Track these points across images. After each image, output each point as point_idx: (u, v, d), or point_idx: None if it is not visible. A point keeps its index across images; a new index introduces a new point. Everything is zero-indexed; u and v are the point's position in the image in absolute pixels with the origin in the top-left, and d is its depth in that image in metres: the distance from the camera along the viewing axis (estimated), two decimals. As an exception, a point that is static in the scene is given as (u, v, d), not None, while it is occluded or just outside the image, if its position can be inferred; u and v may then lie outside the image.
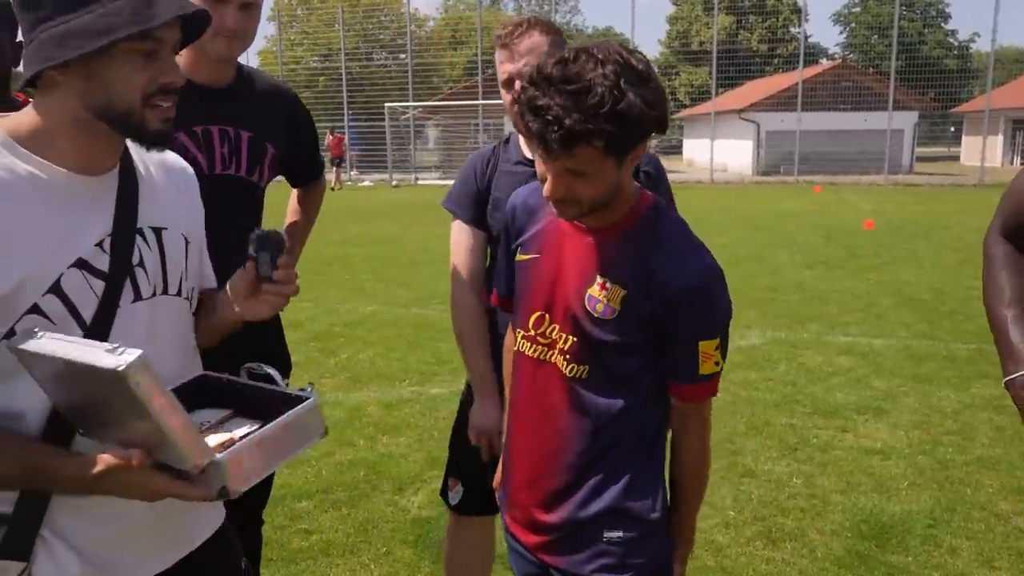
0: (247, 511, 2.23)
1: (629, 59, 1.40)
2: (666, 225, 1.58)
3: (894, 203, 18.15)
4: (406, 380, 5.38)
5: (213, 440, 1.23)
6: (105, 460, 1.14)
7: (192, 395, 1.33)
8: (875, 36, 42.64)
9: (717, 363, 1.56)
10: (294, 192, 2.66)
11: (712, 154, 27.59)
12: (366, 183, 27.18)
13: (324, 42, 33.52)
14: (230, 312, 1.43)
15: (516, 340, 1.71)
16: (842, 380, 5.41)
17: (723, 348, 1.57)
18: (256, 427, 1.26)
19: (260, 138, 2.20)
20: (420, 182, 27.50)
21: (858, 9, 48.18)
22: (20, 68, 1.98)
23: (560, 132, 1.35)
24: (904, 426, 4.58)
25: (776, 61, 37.57)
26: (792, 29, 41.46)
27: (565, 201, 1.49)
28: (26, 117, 1.23)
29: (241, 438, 1.22)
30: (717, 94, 29.38)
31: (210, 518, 1.49)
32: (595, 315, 1.55)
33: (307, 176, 2.60)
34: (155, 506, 1.26)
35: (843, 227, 13.50)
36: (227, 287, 1.44)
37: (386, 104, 28.03)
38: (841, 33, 50.60)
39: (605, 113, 1.34)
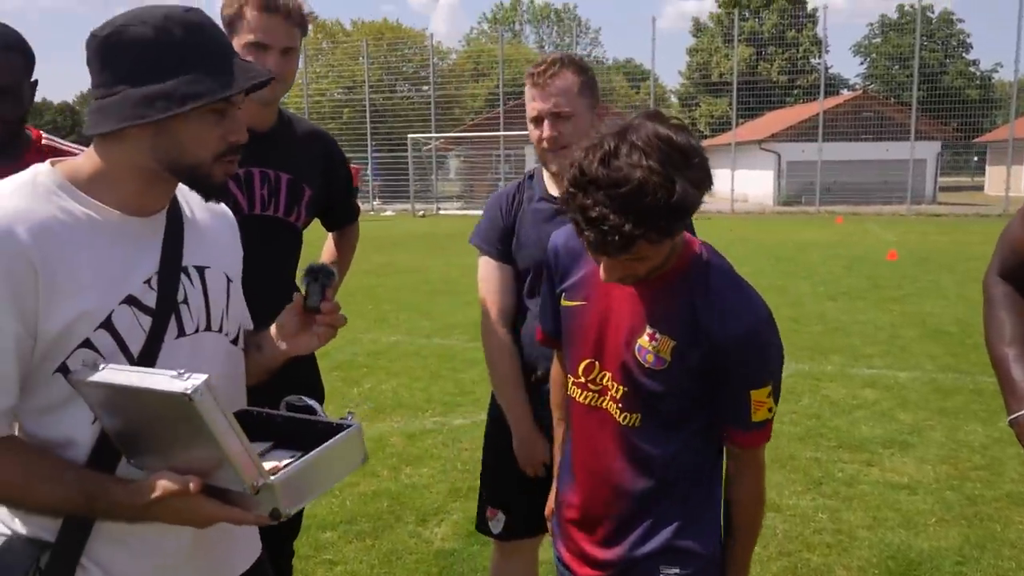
0: (278, 542, 2.26)
1: (670, 138, 1.37)
2: (714, 273, 1.57)
3: (917, 233, 18.02)
4: (429, 410, 5.41)
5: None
6: (162, 486, 1.18)
7: None
8: (896, 66, 42.66)
9: (770, 409, 1.56)
10: (330, 236, 2.72)
11: (732, 184, 27.57)
12: (388, 213, 27.42)
13: (348, 74, 34.04)
14: (276, 351, 1.47)
15: (568, 386, 1.73)
16: (867, 413, 5.36)
17: (775, 393, 1.57)
18: (297, 456, 1.30)
19: (298, 180, 2.28)
20: (442, 212, 27.71)
21: (878, 40, 48.28)
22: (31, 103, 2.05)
23: (620, 241, 1.34)
24: (931, 460, 4.53)
25: (796, 92, 37.67)
26: (812, 60, 41.54)
27: (623, 279, 1.52)
28: (86, 162, 1.29)
29: (285, 466, 1.26)
30: (737, 124, 29.43)
31: (247, 549, 1.52)
32: (645, 366, 1.55)
33: (342, 219, 2.66)
34: (193, 538, 1.30)
35: (866, 257, 13.43)
36: (274, 326, 1.49)
37: (409, 135, 28.36)
38: (861, 64, 50.73)
39: (660, 211, 1.33)
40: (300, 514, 2.53)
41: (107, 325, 1.23)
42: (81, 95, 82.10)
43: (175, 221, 1.37)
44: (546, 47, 58.63)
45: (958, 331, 7.75)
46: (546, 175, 2.29)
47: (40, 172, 1.27)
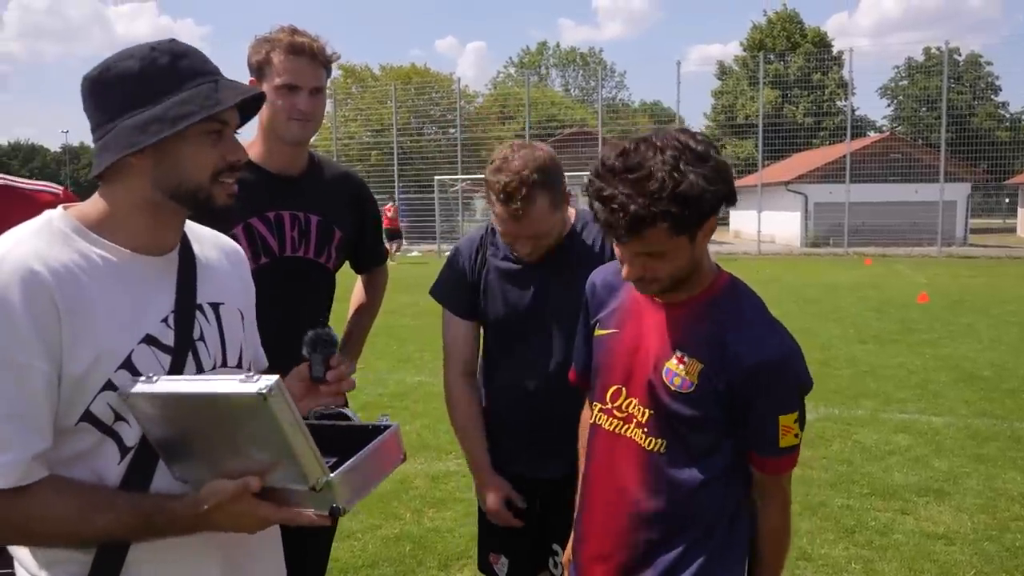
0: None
1: (687, 141, 1.46)
2: (743, 301, 1.62)
3: (949, 276, 17.76)
4: (452, 452, 5.36)
5: None
6: (218, 491, 1.20)
7: None
8: (923, 108, 42.52)
9: (796, 435, 1.58)
10: (359, 279, 2.74)
11: (759, 225, 27.47)
12: (414, 253, 27.61)
13: (376, 118, 34.59)
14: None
15: (593, 414, 1.74)
16: (900, 460, 5.24)
17: (801, 420, 1.59)
18: (332, 461, 1.30)
19: (328, 222, 2.31)
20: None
21: (905, 82, 48.23)
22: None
23: (626, 218, 1.41)
24: (968, 509, 4.40)
25: (822, 134, 37.59)
26: (838, 102, 41.55)
27: (644, 280, 1.55)
28: (94, 205, 1.32)
29: (333, 465, 1.27)
30: (763, 166, 29.40)
31: None
32: (672, 388, 1.58)
33: (370, 262, 2.68)
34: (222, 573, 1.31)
35: (896, 300, 13.24)
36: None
37: (436, 177, 28.66)
38: (888, 106, 50.57)
39: (667, 196, 1.40)
40: (325, 556, 2.52)
41: (127, 365, 1.24)
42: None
43: (187, 259, 1.39)
44: (572, 90, 59.32)
45: (993, 376, 7.57)
46: None
47: (54, 217, 1.29)
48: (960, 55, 43.37)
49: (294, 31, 2.20)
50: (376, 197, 2.63)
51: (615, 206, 1.42)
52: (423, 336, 10.20)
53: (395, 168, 30.59)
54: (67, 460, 1.24)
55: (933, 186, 26.29)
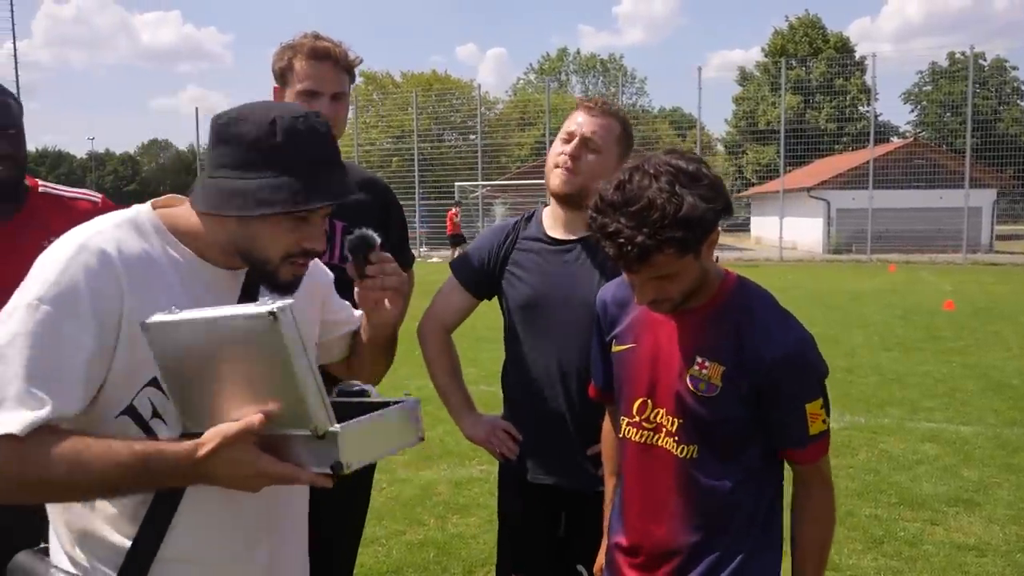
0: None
1: (679, 164, 1.50)
2: (753, 299, 1.66)
3: (975, 283, 17.53)
4: (475, 458, 5.35)
5: None
6: (220, 431, 1.18)
7: None
8: (948, 114, 42.12)
9: (824, 421, 1.62)
10: None
11: (781, 232, 27.29)
12: (435, 259, 27.69)
13: (397, 124, 34.79)
14: (369, 326, 1.56)
15: (622, 428, 1.76)
16: (929, 469, 5.16)
17: (827, 407, 1.64)
18: None
19: (353, 227, 2.30)
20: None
21: (929, 88, 47.78)
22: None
23: (634, 251, 1.46)
24: (1000, 520, 4.32)
25: (845, 139, 37.31)
26: (861, 108, 41.22)
27: (656, 301, 1.59)
28: (187, 218, 1.36)
29: None
30: (785, 172, 29.23)
31: None
32: (699, 394, 1.61)
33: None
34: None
35: (921, 307, 13.08)
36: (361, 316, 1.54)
37: (456, 183, 28.75)
38: (912, 111, 50.07)
39: (669, 222, 1.45)
40: (352, 563, 2.51)
41: None
42: (142, 145, 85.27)
43: (254, 276, 1.40)
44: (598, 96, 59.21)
45: (1022, 384, 7.46)
46: (545, 216, 2.31)
47: (142, 211, 1.35)
48: (985, 59, 42.85)
49: (316, 37, 2.22)
50: (419, 203, 2.64)
51: (622, 240, 1.46)
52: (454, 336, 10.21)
53: (416, 174, 30.72)
54: None
55: (958, 192, 26.01)
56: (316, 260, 1.59)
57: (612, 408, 1.88)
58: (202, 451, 1.17)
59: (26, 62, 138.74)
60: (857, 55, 44.74)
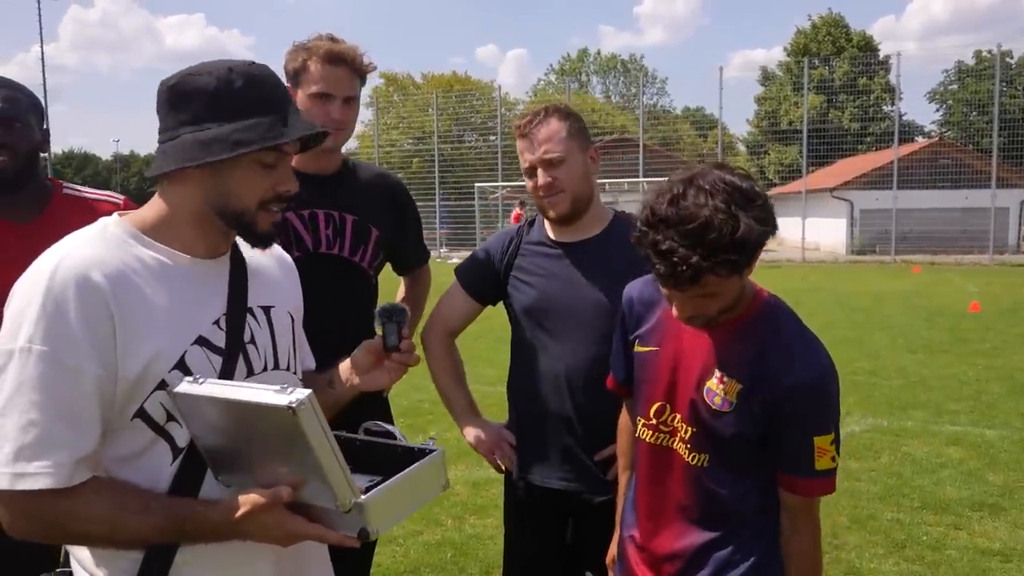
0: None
1: (734, 182, 1.47)
2: (782, 322, 1.63)
3: (1002, 284, 17.27)
4: (493, 459, 5.36)
5: None
6: (251, 500, 1.22)
7: None
8: (974, 113, 41.50)
9: (833, 459, 1.57)
10: (402, 282, 2.75)
11: (803, 232, 27.05)
12: (454, 260, 27.77)
13: (418, 125, 34.89)
14: (347, 387, 1.52)
15: (637, 428, 1.76)
16: (952, 473, 5.10)
17: (837, 443, 1.59)
18: (375, 480, 1.31)
19: (364, 221, 2.32)
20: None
21: (955, 87, 47.14)
22: (46, 154, 2.12)
23: (689, 272, 1.42)
24: (1025, 526, 4.26)
25: (869, 139, 36.90)
26: (885, 107, 40.75)
27: (694, 317, 1.57)
28: (150, 210, 1.37)
29: (365, 490, 1.26)
30: (808, 172, 28.98)
31: None
32: (713, 407, 1.60)
33: (412, 262, 2.69)
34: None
35: (946, 309, 12.91)
36: (347, 361, 1.53)
37: (476, 184, 28.78)
38: (937, 111, 49.41)
39: (726, 245, 1.41)
40: (368, 562, 2.51)
41: (181, 365, 1.27)
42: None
43: (238, 263, 1.43)
44: (612, 97, 59.14)
45: (1050, 387, 7.34)
46: (547, 222, 2.30)
47: (109, 223, 1.34)
48: (1012, 57, 42.14)
49: (332, 39, 2.23)
50: (417, 203, 2.63)
51: (675, 259, 1.42)
52: (464, 343, 10.22)
53: (436, 175, 30.80)
54: (121, 459, 1.27)
55: (984, 192, 25.63)
56: (292, 264, 1.60)
57: (629, 402, 1.89)
58: (235, 516, 1.22)
59: (53, 65, 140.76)
60: (881, 54, 44.26)
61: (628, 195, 27.24)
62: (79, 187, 2.29)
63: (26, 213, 2.12)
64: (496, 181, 29.58)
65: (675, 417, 1.67)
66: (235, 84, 1.28)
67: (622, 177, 27.93)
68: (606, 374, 2.00)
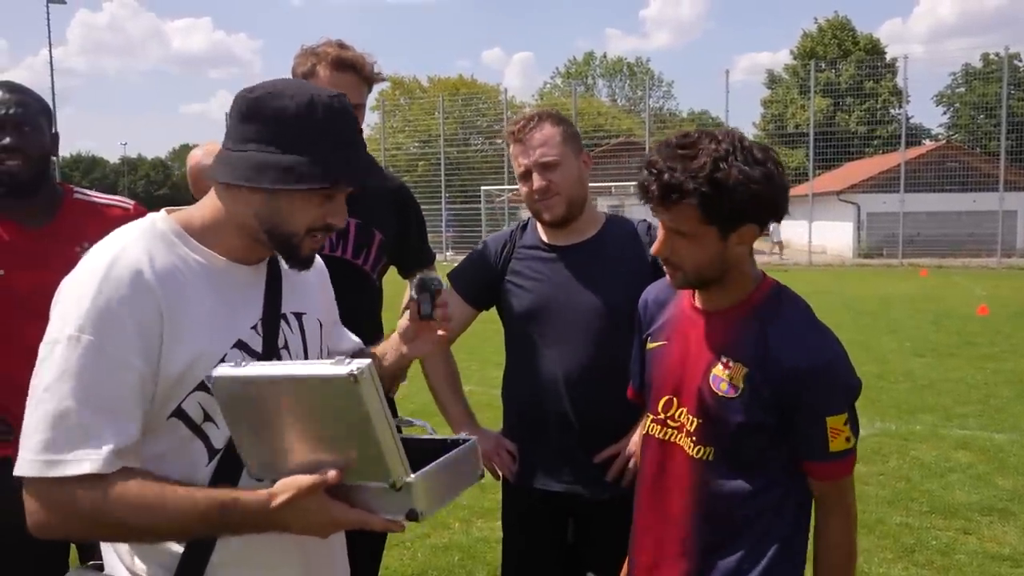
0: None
1: (750, 145, 1.51)
2: (786, 305, 1.62)
3: (1010, 287, 17.21)
4: (500, 462, 5.36)
5: None
6: (294, 483, 1.19)
7: None
8: (981, 116, 41.37)
9: (848, 439, 1.55)
10: (408, 286, 2.74)
11: (810, 236, 26.99)
12: (460, 263, 27.81)
13: (424, 129, 34.92)
14: (398, 356, 1.57)
15: (646, 424, 1.75)
16: (961, 477, 5.07)
17: (853, 425, 1.56)
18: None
19: (368, 224, 2.33)
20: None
21: (962, 90, 47.01)
22: (55, 157, 2.12)
23: (659, 184, 1.48)
24: (1035, 530, 4.23)
25: (876, 142, 36.83)
26: (892, 111, 40.65)
27: (670, 263, 1.58)
28: (200, 210, 1.38)
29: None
30: (815, 175, 28.92)
31: None
32: (720, 394, 1.58)
33: (416, 264, 2.69)
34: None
35: (954, 312, 12.86)
36: (395, 332, 1.57)
37: (482, 187, 28.82)
38: (944, 114, 49.27)
39: (704, 176, 1.45)
40: (377, 565, 2.51)
41: None
42: (173, 150, 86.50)
43: (275, 271, 1.45)
44: (618, 100, 59.15)
45: (1059, 391, 7.30)
46: (540, 226, 2.31)
47: (158, 220, 1.35)
48: (1020, 60, 42.01)
49: (341, 45, 2.24)
50: (423, 206, 2.63)
51: (654, 171, 1.49)
52: (470, 345, 10.21)
53: (442, 178, 30.83)
54: (157, 456, 1.27)
55: (992, 195, 25.54)
56: (324, 270, 1.64)
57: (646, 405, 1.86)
58: (276, 502, 1.19)
59: (61, 69, 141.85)
60: (888, 57, 44.18)
61: (634, 198, 27.20)
62: (89, 191, 2.30)
63: (38, 218, 2.13)
64: (502, 184, 29.58)
65: (681, 411, 1.65)
66: (314, 115, 1.28)
67: (628, 180, 27.85)
68: (603, 376, 1.99)
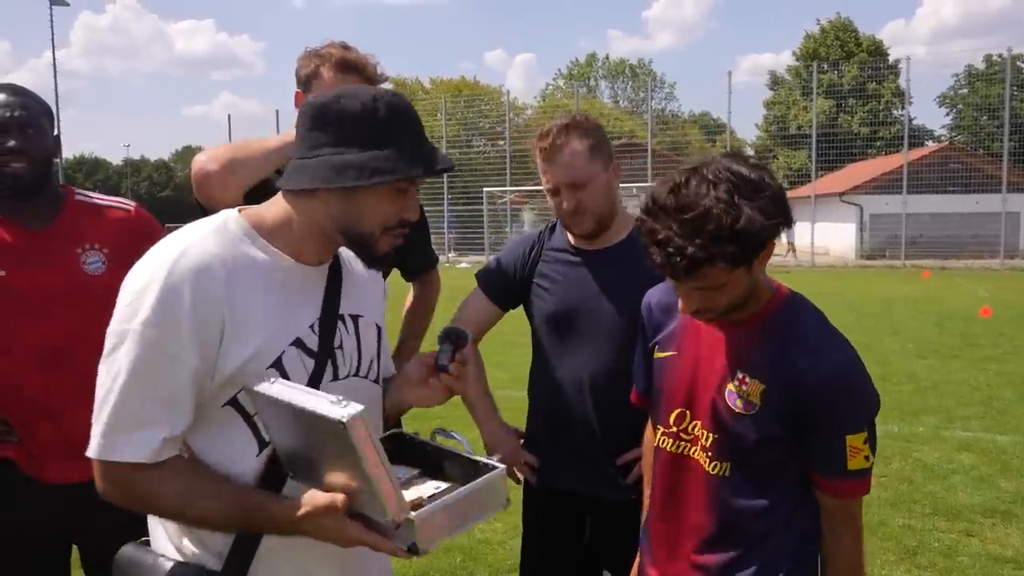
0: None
1: (740, 171, 1.40)
2: (803, 317, 1.56)
3: (1013, 289, 17.17)
4: (502, 464, 5.35)
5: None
6: (311, 501, 1.27)
7: (387, 450, 1.44)
8: (984, 117, 41.28)
9: (867, 458, 1.51)
10: (411, 288, 2.75)
11: (812, 237, 26.98)
12: (463, 265, 27.78)
13: (427, 130, 34.74)
14: (397, 400, 1.56)
15: (656, 437, 1.70)
16: (964, 479, 5.06)
17: (871, 442, 1.52)
18: (442, 488, 1.33)
19: None
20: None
21: (965, 91, 46.93)
22: (57, 159, 2.13)
23: (684, 262, 1.37)
24: (1038, 532, 4.22)
25: (878, 144, 36.76)
26: (894, 112, 40.59)
27: (700, 311, 1.51)
28: (270, 211, 1.42)
29: (430, 498, 1.30)
30: (817, 177, 28.90)
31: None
32: (736, 411, 1.53)
33: (419, 266, 2.69)
34: (340, 570, 1.42)
35: (957, 314, 12.84)
36: (400, 375, 1.57)
37: (484, 188, 28.81)
38: (947, 115, 49.17)
39: (725, 236, 1.35)
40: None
41: (277, 364, 1.34)
42: (176, 152, 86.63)
43: (336, 272, 1.49)
44: (621, 102, 59.11)
45: (1062, 393, 7.29)
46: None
47: (230, 219, 1.40)
48: (1023, 61, 41.98)
49: (345, 47, 2.23)
50: (425, 208, 2.63)
51: (671, 249, 1.37)
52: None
53: (444, 180, 30.79)
54: (209, 441, 1.35)
55: (995, 196, 25.51)
56: (381, 278, 1.66)
57: (654, 414, 1.82)
58: (297, 514, 1.27)
59: (64, 71, 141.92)
60: (891, 58, 44.13)
61: (636, 199, 27.23)
62: (90, 193, 2.31)
63: (39, 219, 2.13)
64: (504, 185, 29.61)
65: (695, 424, 1.60)
66: (379, 112, 1.33)
67: (630, 182, 27.86)
68: (627, 379, 1.98)
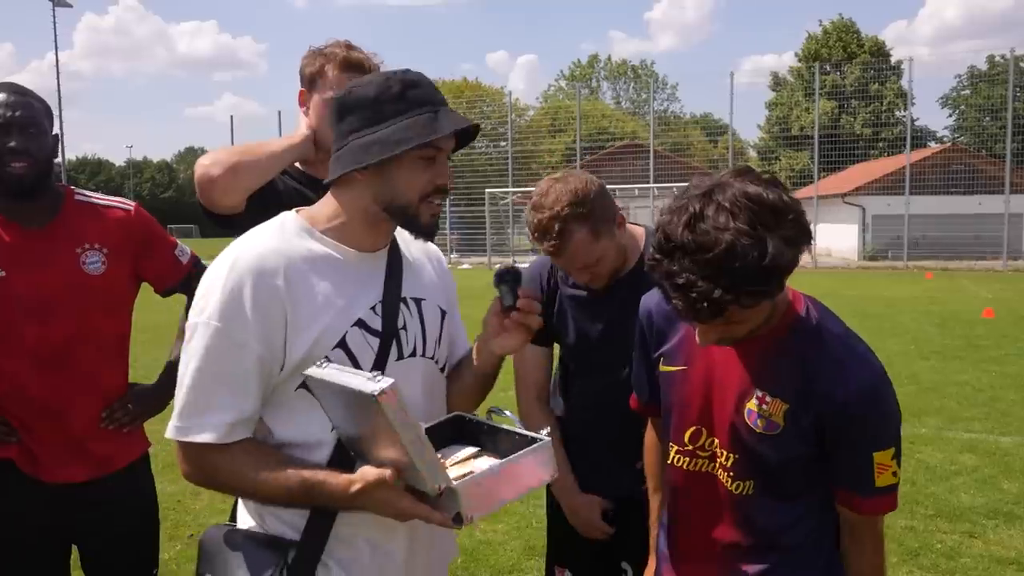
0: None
1: (760, 196, 1.28)
2: (823, 327, 1.47)
3: (1016, 290, 17.14)
4: (504, 465, 5.35)
5: (456, 471, 1.38)
6: (362, 477, 1.35)
7: (448, 432, 1.52)
8: (987, 118, 41.23)
9: (895, 474, 1.44)
10: None
11: (815, 238, 26.94)
12: (465, 266, 27.78)
13: (429, 131, 34.92)
14: (487, 355, 1.58)
15: (670, 455, 1.63)
16: (967, 480, 5.05)
17: (898, 457, 1.45)
18: (494, 462, 1.37)
19: None
20: (518, 264, 27.87)
21: (967, 92, 46.88)
22: (58, 160, 2.13)
23: (710, 307, 1.26)
24: (1041, 534, 4.21)
25: (881, 145, 36.74)
26: (897, 113, 40.55)
27: (720, 341, 1.44)
28: (322, 208, 1.52)
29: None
30: (819, 178, 28.88)
31: (447, 554, 1.69)
32: (757, 431, 1.46)
33: None
34: (408, 542, 1.51)
35: (960, 315, 12.82)
36: (481, 333, 1.60)
37: (487, 189, 28.82)
38: (950, 116, 49.16)
39: (752, 274, 1.24)
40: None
41: (342, 344, 1.43)
42: (179, 152, 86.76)
43: (395, 258, 1.57)
44: (623, 103, 59.15)
45: (1065, 394, 7.27)
46: None
47: (287, 218, 1.51)
48: (1026, 62, 41.92)
49: (349, 46, 2.23)
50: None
51: (694, 295, 1.25)
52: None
53: (446, 181, 30.85)
54: (287, 424, 1.46)
55: (997, 198, 25.48)
56: (443, 260, 1.73)
57: (655, 420, 1.77)
58: (352, 488, 1.35)
59: (67, 72, 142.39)
60: (893, 59, 44.11)
61: (638, 201, 27.21)
62: (89, 193, 2.30)
63: (39, 219, 2.13)
64: (506, 187, 29.61)
65: (713, 442, 1.52)
66: (392, 89, 1.41)
67: (632, 183, 27.92)
68: None
